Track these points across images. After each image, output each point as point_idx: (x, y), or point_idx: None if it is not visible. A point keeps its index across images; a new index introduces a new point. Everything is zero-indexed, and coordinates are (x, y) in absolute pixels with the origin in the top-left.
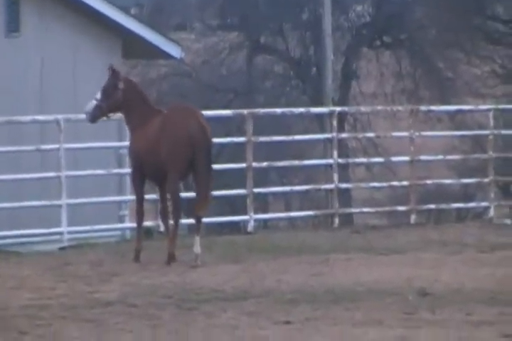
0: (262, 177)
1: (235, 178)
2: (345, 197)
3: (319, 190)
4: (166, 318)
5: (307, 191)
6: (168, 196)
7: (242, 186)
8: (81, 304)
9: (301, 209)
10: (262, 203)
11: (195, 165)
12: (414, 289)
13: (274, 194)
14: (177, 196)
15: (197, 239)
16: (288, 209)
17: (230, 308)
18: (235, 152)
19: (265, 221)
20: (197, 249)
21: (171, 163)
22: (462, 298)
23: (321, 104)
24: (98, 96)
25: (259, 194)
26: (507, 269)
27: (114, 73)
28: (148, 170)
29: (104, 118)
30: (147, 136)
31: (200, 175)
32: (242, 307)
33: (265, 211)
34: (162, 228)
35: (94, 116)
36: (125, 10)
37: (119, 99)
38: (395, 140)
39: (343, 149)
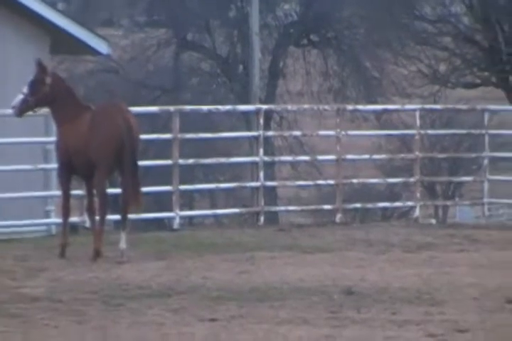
0: (188, 175)
1: (161, 175)
2: (270, 195)
3: (245, 187)
4: (91, 314)
5: (233, 189)
6: (95, 192)
7: (168, 183)
8: (6, 299)
9: (226, 206)
10: (188, 200)
11: (121, 161)
12: (340, 288)
13: (199, 191)
14: (104, 192)
15: (123, 235)
16: (213, 206)
17: (155, 305)
18: (161, 149)
19: (191, 218)
20: (123, 245)
21: (99, 159)
22: (388, 298)
23: (247, 102)
24: (25, 90)
25: (185, 191)
26: (432, 269)
27: (41, 68)
28: (75, 166)
29: (31, 112)
30: (75, 132)
31: (127, 172)
32: (167, 304)
33: (191, 208)
34: (88, 224)
35: (21, 110)
36: (52, 5)
37: (46, 93)
38: (321, 139)
39: (269, 147)
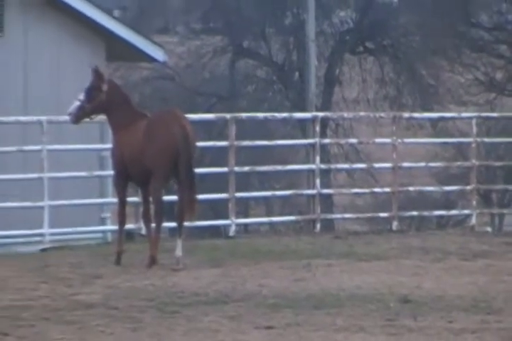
0: (244, 182)
1: (216, 182)
2: (326, 202)
3: (301, 195)
4: (147, 321)
5: (288, 196)
6: (151, 199)
7: (224, 190)
8: (63, 306)
9: (281, 214)
10: (243, 208)
11: (178, 169)
12: (396, 296)
13: (255, 198)
14: (160, 200)
15: (179, 242)
16: (269, 214)
17: (211, 312)
18: (217, 156)
19: (246, 225)
20: (179, 252)
21: (155, 167)
22: (444, 306)
23: (303, 109)
24: (81, 97)
25: (240, 198)
26: (489, 277)
27: (97, 74)
28: (131, 173)
29: (87, 119)
30: (131, 140)
31: (184, 180)
32: (223, 312)
33: (246, 215)
34: (144, 231)
35: (77, 117)
36: (108, 12)
37: (102, 100)
38: (377, 146)
39: (325, 155)
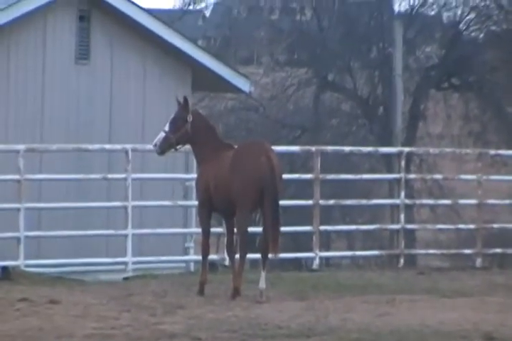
0: (326, 215)
1: (299, 215)
2: (409, 237)
3: (385, 229)
4: None
5: (371, 230)
6: (236, 230)
7: (305, 223)
8: (145, 335)
9: (363, 248)
10: (325, 241)
11: (263, 201)
12: (480, 333)
13: (336, 232)
14: (245, 231)
15: (263, 274)
16: (351, 247)
17: None
18: (299, 188)
19: (327, 258)
20: (262, 284)
21: (241, 198)
22: None
23: (387, 143)
24: (166, 128)
25: (323, 231)
26: None
27: (183, 105)
28: (216, 204)
29: (173, 150)
30: (217, 171)
31: (269, 212)
32: None
33: (328, 249)
34: (227, 262)
35: (163, 149)
36: (193, 41)
37: (187, 131)
38: (460, 182)
39: (408, 190)
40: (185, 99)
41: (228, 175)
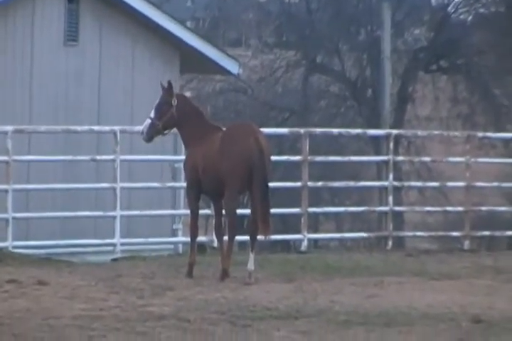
0: (315, 197)
1: (287, 197)
2: (397, 220)
3: (373, 211)
4: (219, 334)
5: (359, 212)
6: (225, 212)
7: (293, 205)
8: (134, 316)
9: (351, 230)
10: (313, 223)
11: (252, 183)
12: (468, 316)
13: (325, 214)
14: (234, 213)
15: (251, 256)
16: (339, 229)
17: (283, 327)
18: (288, 170)
19: (316, 240)
20: (251, 266)
21: (230, 180)
22: None
23: (375, 125)
24: (152, 114)
25: (312, 213)
26: None
27: (167, 89)
28: (204, 185)
29: (160, 135)
30: (205, 153)
31: (258, 194)
32: (294, 327)
33: (316, 230)
34: (216, 243)
35: (150, 135)
36: (181, 23)
37: (173, 115)
38: (448, 164)
39: (397, 172)
40: (169, 83)
41: (217, 156)
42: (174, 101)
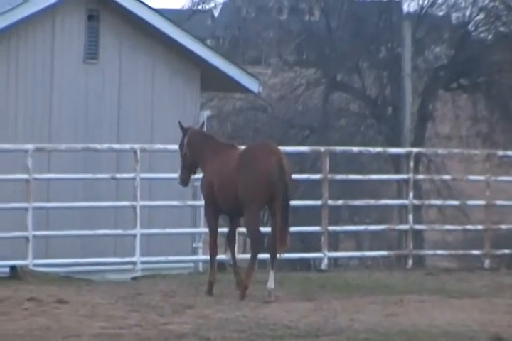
0: (334, 215)
1: (307, 215)
2: (417, 238)
3: (393, 230)
4: None
5: (379, 231)
6: (247, 231)
7: (313, 223)
8: (154, 335)
9: (371, 248)
10: (333, 241)
11: (273, 202)
12: (488, 334)
13: (345, 232)
14: (256, 232)
15: (271, 274)
16: (359, 248)
17: None
18: (307, 188)
19: (336, 259)
20: (271, 284)
21: (250, 199)
22: None
23: (395, 144)
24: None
25: (331, 232)
26: None
27: (181, 130)
28: (221, 203)
29: (193, 175)
30: (220, 169)
31: (278, 213)
32: None
33: (336, 249)
34: (230, 260)
35: (183, 180)
36: (201, 41)
37: (186, 155)
38: (468, 183)
39: (417, 190)
40: (179, 124)
41: (234, 174)
42: (185, 140)
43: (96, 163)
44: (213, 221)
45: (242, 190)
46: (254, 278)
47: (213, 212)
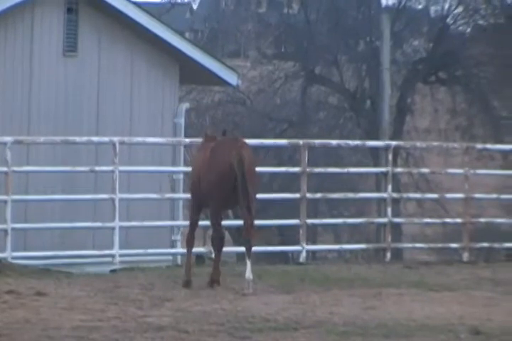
0: (313, 208)
1: (284, 208)
2: (396, 231)
3: (372, 223)
4: None
5: (358, 224)
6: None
7: (290, 216)
8: (133, 327)
9: (350, 241)
10: (312, 234)
11: (236, 194)
12: (467, 327)
13: (323, 225)
14: (215, 225)
15: (248, 263)
16: (337, 241)
17: (281, 338)
18: (285, 182)
19: (314, 252)
20: (249, 275)
21: (210, 193)
22: None
23: (374, 137)
24: None
25: (310, 225)
26: None
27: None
28: (202, 197)
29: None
30: (198, 163)
31: (242, 205)
32: (293, 338)
33: (314, 242)
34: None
35: None
36: (180, 34)
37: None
38: (447, 176)
39: (395, 183)
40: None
41: (202, 170)
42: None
43: (75, 156)
44: (196, 213)
45: (204, 183)
46: (234, 271)
47: (196, 204)
